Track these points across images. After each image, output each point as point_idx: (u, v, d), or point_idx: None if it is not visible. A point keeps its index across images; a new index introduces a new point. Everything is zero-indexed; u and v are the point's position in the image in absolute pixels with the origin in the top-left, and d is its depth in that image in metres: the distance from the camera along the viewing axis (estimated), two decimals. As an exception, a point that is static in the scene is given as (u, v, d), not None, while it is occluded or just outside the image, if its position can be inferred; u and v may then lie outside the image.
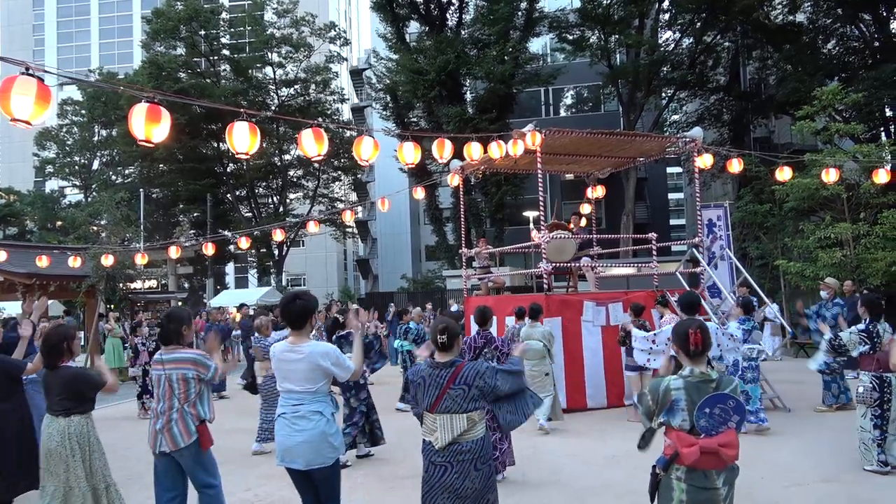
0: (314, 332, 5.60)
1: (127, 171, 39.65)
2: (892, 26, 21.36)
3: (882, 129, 20.92)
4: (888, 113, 21.11)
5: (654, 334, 5.66)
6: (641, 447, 3.32)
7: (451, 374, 3.51)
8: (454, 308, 16.88)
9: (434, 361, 3.61)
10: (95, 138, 41.22)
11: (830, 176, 12.33)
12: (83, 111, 40.43)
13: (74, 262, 16.41)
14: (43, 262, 15.90)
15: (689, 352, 3.12)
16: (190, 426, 4.15)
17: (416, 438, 7.60)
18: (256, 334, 7.75)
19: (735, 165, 11.77)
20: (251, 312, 15.40)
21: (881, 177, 12.32)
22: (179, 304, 24.87)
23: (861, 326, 5.95)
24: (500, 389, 3.58)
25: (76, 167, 42.03)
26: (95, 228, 24.09)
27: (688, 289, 10.56)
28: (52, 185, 46.73)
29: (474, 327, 7.88)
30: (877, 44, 21.32)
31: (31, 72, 4.41)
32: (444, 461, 3.49)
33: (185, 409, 4.16)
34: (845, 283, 11.26)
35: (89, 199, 38.72)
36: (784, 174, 12.01)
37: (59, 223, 39.15)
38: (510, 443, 6.05)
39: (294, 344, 3.82)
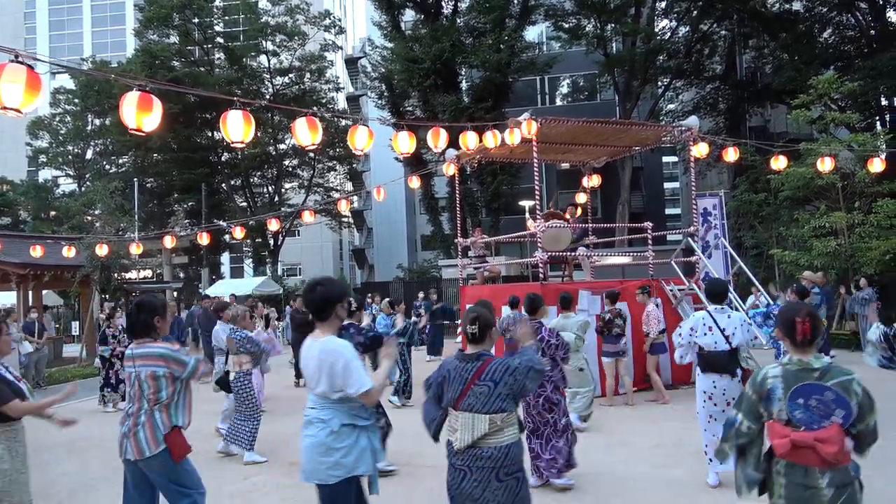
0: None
1: (121, 161, 39.41)
2: (888, 15, 21.32)
3: (877, 118, 20.93)
4: (884, 102, 21.12)
5: (679, 334, 5.54)
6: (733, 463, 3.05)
7: (478, 369, 3.21)
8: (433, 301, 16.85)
9: (462, 353, 3.35)
10: (89, 127, 40.91)
11: (826, 165, 12.37)
12: (76, 100, 40.10)
13: (69, 252, 16.36)
14: (37, 252, 15.85)
15: (797, 341, 2.87)
16: (158, 433, 3.62)
17: (406, 429, 7.62)
18: (232, 325, 7.16)
19: (731, 154, 11.78)
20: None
21: (876, 166, 12.36)
22: (174, 293, 24.84)
23: None
24: (528, 390, 3.27)
25: (69, 156, 41.74)
26: (89, 218, 23.97)
27: (683, 279, 10.62)
28: (45, 174, 46.44)
29: (505, 310, 7.83)
30: (873, 33, 21.28)
31: (20, 59, 4.36)
32: (463, 465, 3.20)
33: (153, 413, 3.65)
34: (816, 274, 11.34)
35: (83, 189, 38.50)
36: (779, 163, 12.03)
37: (52, 213, 38.95)
38: (569, 443, 5.58)
39: (314, 337, 3.34)
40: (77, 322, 22.59)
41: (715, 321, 5.30)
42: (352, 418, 3.24)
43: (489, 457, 3.15)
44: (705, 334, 5.29)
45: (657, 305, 10.04)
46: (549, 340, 5.60)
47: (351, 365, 3.17)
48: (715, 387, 5.26)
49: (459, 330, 14.21)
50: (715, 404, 5.29)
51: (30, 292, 18.25)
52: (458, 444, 3.20)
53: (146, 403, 3.66)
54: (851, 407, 2.71)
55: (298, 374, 12.10)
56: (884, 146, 17.42)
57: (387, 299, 12.27)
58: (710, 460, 5.30)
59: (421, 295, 18.14)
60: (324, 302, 3.31)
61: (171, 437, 3.66)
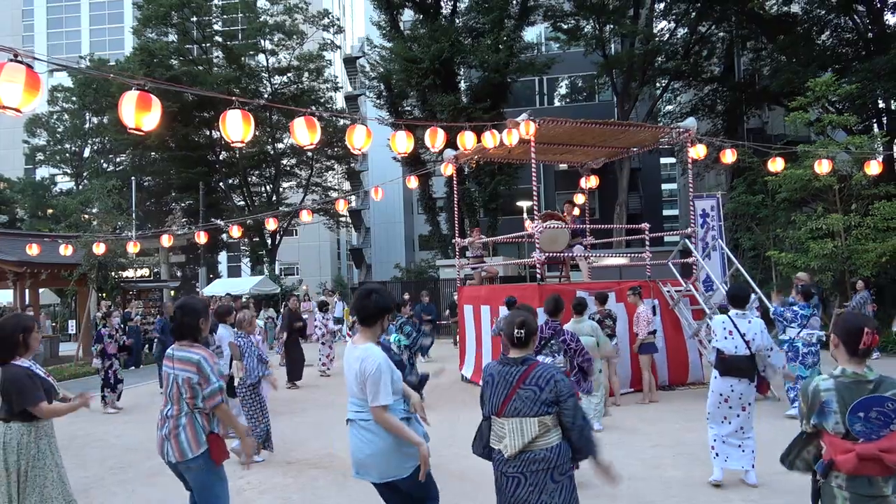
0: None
1: (119, 159, 39.37)
2: (885, 18, 21.36)
3: (874, 120, 20.97)
4: (881, 105, 21.15)
5: (711, 340, 5.60)
6: (786, 460, 3.08)
7: (524, 372, 3.20)
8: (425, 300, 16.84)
9: (506, 358, 3.31)
10: (86, 126, 40.84)
11: (823, 167, 12.41)
12: (74, 98, 40.02)
13: (65, 251, 16.33)
14: (33, 250, 15.81)
15: (858, 351, 2.81)
16: (200, 435, 3.60)
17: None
18: (237, 330, 7.08)
19: (728, 156, 11.80)
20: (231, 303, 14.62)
21: (873, 168, 12.39)
22: (172, 293, 24.80)
23: None
24: (563, 394, 3.17)
25: (67, 155, 41.65)
26: (87, 216, 23.93)
27: (680, 280, 10.64)
28: (42, 172, 46.34)
29: (502, 310, 7.67)
30: (870, 35, 21.31)
31: (19, 58, 4.36)
32: (517, 472, 3.15)
33: (195, 415, 3.62)
34: (799, 274, 11.33)
35: (80, 187, 38.44)
36: (777, 165, 12.06)
37: (49, 211, 38.86)
38: None
39: (356, 343, 3.45)
40: (73, 321, 22.55)
41: (736, 326, 5.34)
42: (400, 413, 3.37)
43: (543, 459, 3.14)
44: (725, 338, 5.35)
45: (655, 308, 10.08)
46: (570, 344, 5.55)
47: (381, 376, 3.26)
48: (732, 390, 5.32)
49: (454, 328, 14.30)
50: (730, 407, 5.36)
51: (26, 290, 18.22)
52: (508, 450, 3.15)
53: (185, 406, 3.63)
54: None
55: (291, 377, 12.09)
56: (881, 148, 17.49)
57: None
58: (717, 455, 5.40)
59: (407, 296, 18.19)
60: (377, 311, 3.42)
61: (212, 439, 3.65)
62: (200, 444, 3.59)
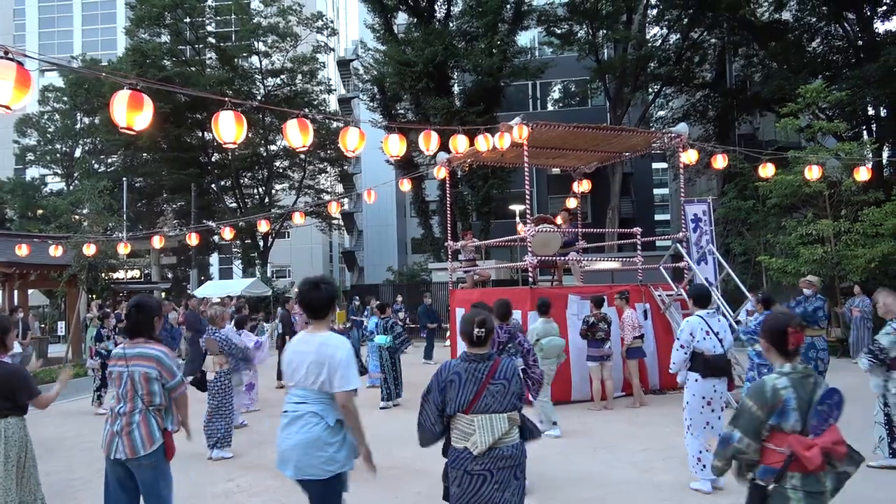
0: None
1: (110, 160, 39.14)
2: (875, 26, 21.57)
3: (864, 127, 21.16)
4: (870, 111, 21.35)
5: (679, 340, 5.56)
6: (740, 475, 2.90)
7: (491, 368, 3.19)
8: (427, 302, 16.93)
9: (470, 355, 3.28)
10: (78, 126, 40.59)
11: (813, 173, 12.49)
12: (65, 98, 39.78)
13: (55, 252, 16.21)
14: (23, 250, 15.69)
15: (788, 351, 2.86)
16: (154, 431, 3.62)
17: (393, 431, 7.61)
18: (210, 326, 7.26)
19: (720, 161, 11.87)
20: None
21: (862, 174, 12.50)
22: (162, 294, 24.69)
23: None
24: (521, 392, 3.29)
25: (58, 155, 41.36)
26: (77, 217, 23.79)
27: (672, 284, 10.68)
28: (32, 172, 45.99)
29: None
30: (860, 43, 21.53)
31: (10, 56, 4.33)
32: (484, 469, 3.10)
33: (149, 412, 3.64)
34: (809, 278, 11.35)
35: (71, 188, 38.18)
36: (767, 171, 12.14)
37: (39, 212, 38.57)
38: None
39: (310, 333, 3.41)
40: (63, 322, 22.38)
41: (709, 325, 5.35)
42: (339, 413, 3.31)
43: (510, 455, 3.14)
44: (704, 339, 5.33)
45: (646, 312, 10.11)
46: (524, 345, 5.65)
47: (351, 361, 3.29)
48: (715, 391, 5.32)
49: (448, 333, 14.27)
50: (712, 410, 5.33)
51: (15, 291, 18.07)
52: (477, 447, 3.11)
53: (140, 403, 3.64)
54: (843, 406, 2.75)
55: (281, 376, 12.03)
56: (870, 155, 17.64)
57: (376, 302, 12.31)
58: (704, 467, 5.30)
59: (399, 298, 18.24)
60: (328, 301, 3.40)
61: (167, 436, 3.70)
62: (155, 440, 3.61)
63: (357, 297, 19.25)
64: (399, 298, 18.36)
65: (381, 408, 9.50)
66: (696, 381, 5.33)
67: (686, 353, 5.37)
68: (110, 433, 3.65)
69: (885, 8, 20.97)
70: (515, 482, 3.15)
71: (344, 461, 3.28)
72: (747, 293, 11.14)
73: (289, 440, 3.26)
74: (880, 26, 21.80)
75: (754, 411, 2.79)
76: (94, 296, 17.77)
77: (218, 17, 34.52)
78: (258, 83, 33.17)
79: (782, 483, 2.75)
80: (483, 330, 3.27)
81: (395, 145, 8.25)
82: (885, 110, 21.09)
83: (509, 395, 3.18)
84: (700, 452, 5.35)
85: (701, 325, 5.36)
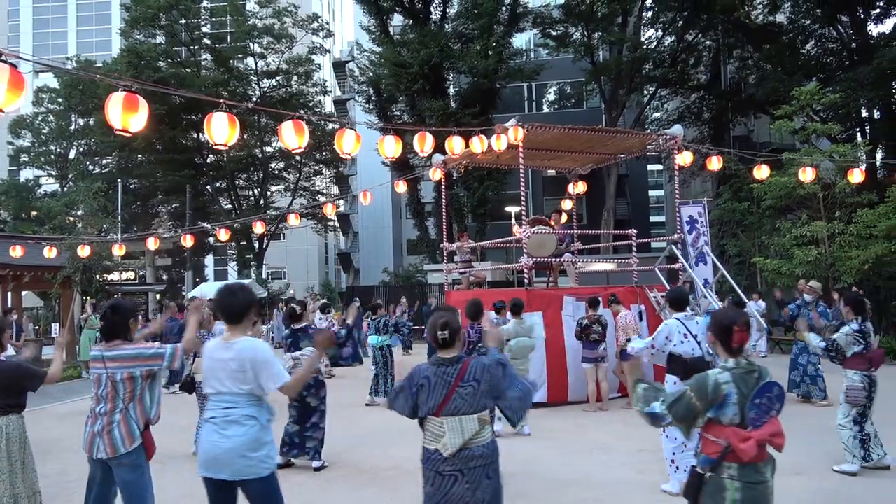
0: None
1: (104, 161, 39.03)
2: (868, 29, 21.69)
3: (858, 129, 21.26)
4: (864, 113, 21.45)
5: (652, 339, 5.59)
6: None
7: (460, 370, 3.20)
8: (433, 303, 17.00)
9: (438, 358, 3.30)
10: (72, 127, 40.47)
11: (807, 175, 12.53)
12: (59, 99, 39.67)
13: (49, 253, 16.14)
14: (17, 252, 15.61)
15: (732, 349, 2.97)
16: (134, 429, 3.70)
17: (390, 432, 7.60)
18: (200, 329, 7.31)
19: (714, 163, 11.90)
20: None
21: (856, 176, 12.56)
22: (157, 296, 24.61)
23: (855, 326, 5.81)
24: (501, 385, 3.26)
25: (52, 156, 41.23)
26: (71, 219, 23.69)
27: (667, 285, 10.69)
28: (26, 174, 45.85)
29: (490, 315, 7.85)
30: (854, 45, 21.63)
31: (3, 58, 4.32)
32: (454, 470, 3.11)
33: (129, 410, 3.71)
34: (811, 283, 11.41)
35: (65, 189, 38.06)
36: (762, 172, 12.18)
37: (33, 213, 38.39)
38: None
39: (227, 340, 3.45)
40: (57, 324, 22.28)
41: (687, 328, 5.37)
42: (269, 413, 3.49)
43: (480, 455, 3.14)
44: (682, 342, 5.34)
45: (641, 314, 10.12)
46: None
47: (273, 363, 3.42)
48: None
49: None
50: None
51: (9, 293, 17.99)
52: (447, 449, 3.12)
53: (120, 403, 3.72)
54: (784, 399, 2.89)
55: None
56: (864, 157, 17.71)
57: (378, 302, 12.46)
58: (677, 469, 5.30)
59: (404, 300, 18.18)
60: (244, 307, 3.49)
61: (147, 435, 3.78)
62: (135, 439, 3.69)
63: (358, 299, 19.29)
64: (403, 300, 18.31)
65: (367, 404, 9.57)
66: (675, 384, 5.32)
67: (653, 353, 5.46)
68: (91, 433, 3.73)
69: (878, 10, 21.08)
70: (487, 481, 3.14)
71: (275, 456, 3.50)
72: (742, 296, 11.18)
73: (224, 444, 3.31)
74: (874, 29, 21.93)
75: (693, 402, 2.90)
76: (87, 297, 17.71)
77: (213, 19, 34.50)
78: (253, 85, 33.14)
79: (719, 472, 2.85)
80: (446, 332, 3.27)
81: (391, 147, 8.25)
82: (878, 112, 21.20)
83: (479, 395, 3.18)
84: (674, 454, 5.35)
85: (679, 328, 5.38)
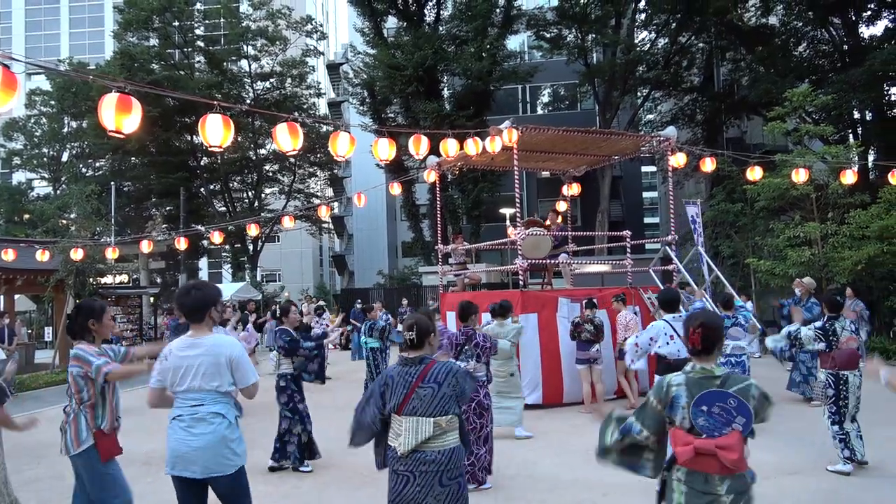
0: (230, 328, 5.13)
1: (98, 164, 38.81)
2: (860, 31, 21.82)
3: (850, 131, 21.35)
4: (856, 115, 21.56)
5: (636, 337, 5.64)
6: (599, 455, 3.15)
7: (421, 372, 3.23)
8: (432, 305, 17.00)
9: (404, 358, 3.35)
10: (65, 130, 40.23)
11: (800, 176, 12.59)
12: (52, 102, 39.45)
13: (42, 256, 16.05)
14: (9, 255, 15.51)
15: (689, 349, 2.97)
16: (81, 432, 3.78)
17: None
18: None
19: (708, 165, 11.93)
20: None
21: (848, 177, 12.61)
22: (151, 299, 24.51)
23: (818, 324, 5.94)
24: (465, 394, 3.33)
25: (45, 159, 40.96)
26: (65, 222, 23.57)
27: (661, 286, 10.72)
28: (19, 177, 45.57)
29: (485, 317, 7.81)
30: (846, 47, 21.75)
31: (-4, 59, 4.30)
32: (407, 471, 3.15)
33: (80, 413, 3.81)
34: (804, 280, 11.47)
35: (58, 192, 37.86)
36: (755, 174, 12.21)
37: (26, 216, 38.18)
38: (490, 451, 5.78)
39: (194, 337, 3.48)
40: (50, 328, 22.16)
41: (675, 330, 5.38)
42: (237, 410, 3.54)
43: (433, 461, 3.14)
44: (667, 343, 5.35)
45: (636, 314, 10.14)
46: (483, 344, 5.77)
47: (244, 359, 3.48)
48: None
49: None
50: None
51: (1, 297, 17.88)
52: (401, 448, 3.16)
53: (74, 403, 3.86)
54: (751, 414, 2.76)
55: None
56: (856, 158, 17.80)
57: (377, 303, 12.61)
58: None
59: (405, 301, 18.17)
60: (202, 304, 3.50)
61: (97, 436, 3.82)
62: (82, 441, 3.77)
63: (360, 301, 19.50)
64: (405, 301, 18.37)
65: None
66: None
67: (637, 352, 5.51)
68: (61, 431, 3.91)
69: (869, 13, 21.21)
70: (441, 489, 3.14)
71: (243, 453, 3.50)
72: (735, 296, 11.22)
73: (193, 442, 3.34)
74: (865, 31, 22.05)
75: (654, 405, 2.94)
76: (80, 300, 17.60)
77: (207, 21, 34.39)
78: (247, 87, 33.07)
79: (671, 473, 2.88)
80: (412, 333, 3.32)
81: (385, 149, 8.24)
82: (870, 114, 21.30)
83: (440, 399, 3.18)
84: None
85: (666, 329, 5.41)
